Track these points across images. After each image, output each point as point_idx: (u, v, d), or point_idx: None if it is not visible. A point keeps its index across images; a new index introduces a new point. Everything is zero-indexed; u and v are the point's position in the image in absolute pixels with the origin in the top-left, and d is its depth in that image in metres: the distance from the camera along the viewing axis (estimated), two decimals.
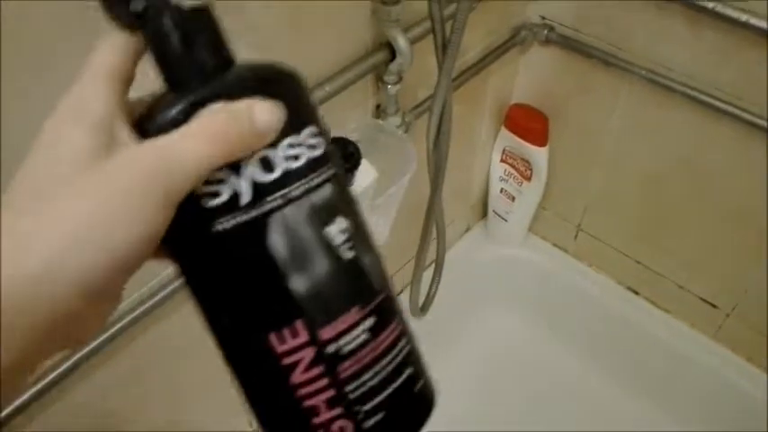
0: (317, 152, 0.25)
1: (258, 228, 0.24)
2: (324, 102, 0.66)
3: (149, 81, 0.25)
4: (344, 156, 0.59)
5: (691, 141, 0.92)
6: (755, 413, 1.03)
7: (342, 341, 0.25)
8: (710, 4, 0.76)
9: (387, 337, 0.26)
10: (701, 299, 1.07)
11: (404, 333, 0.27)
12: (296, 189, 0.24)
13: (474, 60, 0.91)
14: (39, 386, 0.55)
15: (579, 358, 1.24)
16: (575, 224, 1.18)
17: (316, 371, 0.24)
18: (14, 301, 0.20)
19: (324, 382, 0.25)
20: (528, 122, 1.05)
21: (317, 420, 0.25)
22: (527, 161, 1.09)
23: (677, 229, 1.03)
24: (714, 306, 1.06)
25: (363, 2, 0.67)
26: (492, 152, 1.14)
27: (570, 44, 0.95)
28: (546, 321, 1.28)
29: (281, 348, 0.24)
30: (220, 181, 0.23)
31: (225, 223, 0.23)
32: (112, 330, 0.59)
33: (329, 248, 0.25)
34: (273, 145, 0.24)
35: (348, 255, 0.25)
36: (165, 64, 0.25)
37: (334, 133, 0.46)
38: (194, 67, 0.24)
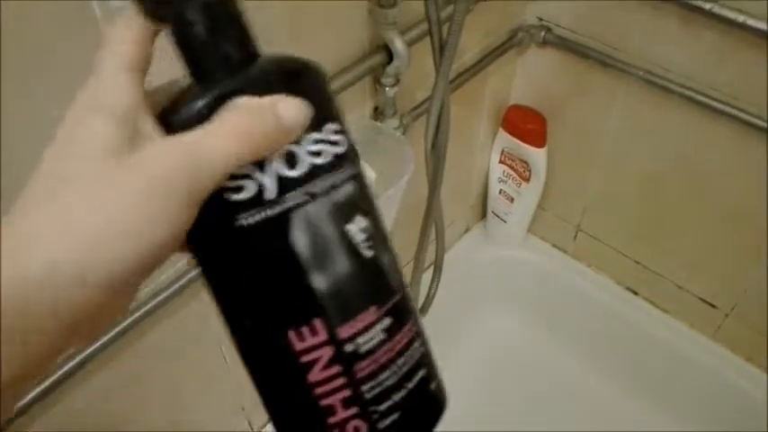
0: (340, 149, 0.25)
1: (281, 223, 0.23)
2: None
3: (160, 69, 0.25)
4: None
5: (689, 142, 0.92)
6: (755, 413, 1.02)
7: (360, 340, 0.24)
8: (708, 5, 0.76)
9: (402, 337, 0.26)
10: (701, 299, 1.07)
11: (418, 334, 0.27)
12: (320, 185, 0.24)
13: (472, 62, 0.92)
14: (41, 387, 0.55)
15: (578, 358, 1.24)
16: (574, 225, 1.18)
17: (333, 370, 0.24)
18: (17, 302, 0.20)
19: (341, 381, 0.24)
20: (526, 123, 1.05)
21: (332, 420, 0.25)
22: (525, 162, 1.09)
23: (676, 229, 1.03)
24: (713, 306, 1.06)
25: (360, 4, 0.67)
26: (491, 153, 1.14)
27: (567, 45, 0.95)
28: (545, 322, 1.28)
29: (300, 346, 0.24)
30: (245, 176, 0.23)
31: (249, 218, 0.23)
32: (112, 334, 0.59)
33: (350, 246, 0.24)
34: (298, 140, 0.24)
35: (368, 253, 0.25)
36: (191, 55, 0.24)
37: None
38: (220, 59, 0.24)
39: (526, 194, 1.13)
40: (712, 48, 0.82)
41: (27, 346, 0.20)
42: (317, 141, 0.24)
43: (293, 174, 0.23)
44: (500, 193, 1.17)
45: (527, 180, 1.11)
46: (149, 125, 0.23)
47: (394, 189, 0.72)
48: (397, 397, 0.25)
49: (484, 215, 1.26)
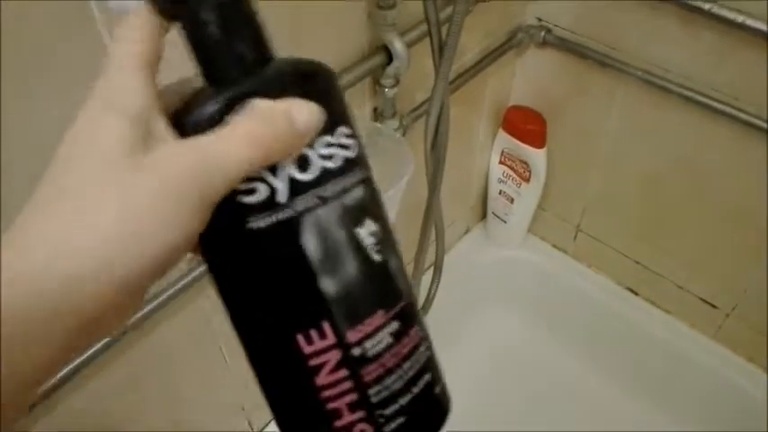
0: (351, 153, 0.25)
1: (292, 226, 0.23)
2: None
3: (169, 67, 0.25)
4: None
5: (689, 142, 0.92)
6: (755, 413, 1.02)
7: (367, 344, 0.24)
8: (707, 5, 0.76)
9: (409, 341, 0.26)
10: (701, 299, 1.07)
11: (424, 338, 0.27)
12: (331, 189, 0.24)
13: (471, 63, 0.92)
14: (43, 388, 0.55)
15: (578, 358, 1.24)
16: (574, 225, 1.18)
17: (341, 373, 0.24)
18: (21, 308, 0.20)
19: (348, 384, 0.24)
20: (526, 124, 1.05)
21: (338, 423, 0.25)
22: (525, 163, 1.09)
23: (676, 229, 1.03)
24: (714, 306, 1.06)
25: (360, 5, 0.67)
26: (490, 154, 1.15)
27: (567, 46, 0.95)
28: (545, 322, 1.28)
29: (308, 349, 0.24)
30: (257, 178, 0.23)
31: (260, 221, 0.23)
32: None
33: (359, 250, 0.24)
34: (310, 144, 0.24)
35: (377, 257, 0.25)
36: (204, 55, 0.24)
37: None
38: (234, 60, 0.24)
39: (526, 195, 1.13)
40: (712, 48, 0.82)
41: (29, 351, 0.20)
42: (329, 145, 0.24)
43: (305, 177, 0.23)
44: (500, 193, 1.17)
45: (527, 180, 1.11)
46: (162, 126, 0.23)
47: (394, 190, 0.72)
48: (402, 401, 0.25)
49: (484, 216, 1.26)
